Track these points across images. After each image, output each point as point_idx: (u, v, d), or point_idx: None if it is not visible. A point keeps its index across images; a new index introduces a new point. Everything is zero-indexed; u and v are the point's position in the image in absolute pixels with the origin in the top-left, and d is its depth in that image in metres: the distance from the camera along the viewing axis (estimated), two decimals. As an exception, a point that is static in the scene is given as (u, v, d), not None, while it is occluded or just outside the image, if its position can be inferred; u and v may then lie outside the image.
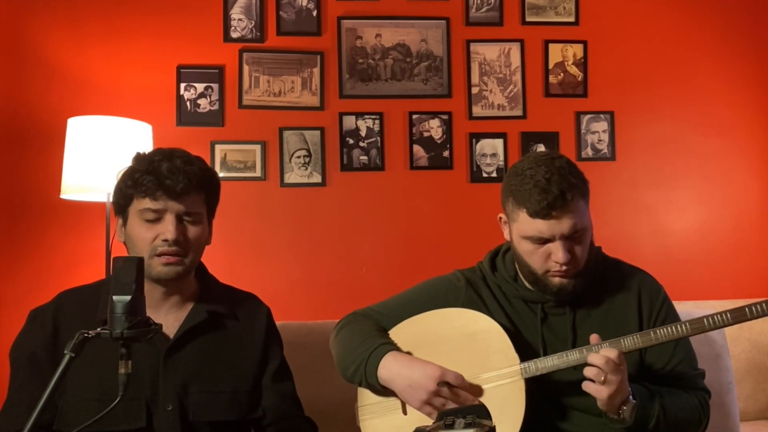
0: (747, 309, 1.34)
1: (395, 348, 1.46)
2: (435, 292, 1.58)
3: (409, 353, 1.48)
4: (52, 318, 1.40)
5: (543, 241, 1.41)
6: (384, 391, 1.46)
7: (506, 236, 1.54)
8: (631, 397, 1.35)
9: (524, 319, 1.52)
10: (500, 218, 1.54)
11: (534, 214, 1.39)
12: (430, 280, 1.63)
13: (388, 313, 1.57)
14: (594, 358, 1.32)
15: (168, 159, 1.40)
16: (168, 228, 1.37)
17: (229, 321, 1.48)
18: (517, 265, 1.53)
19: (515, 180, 1.44)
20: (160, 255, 1.37)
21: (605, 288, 1.52)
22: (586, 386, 1.33)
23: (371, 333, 1.50)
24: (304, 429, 1.52)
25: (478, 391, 1.43)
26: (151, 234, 1.38)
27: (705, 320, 1.36)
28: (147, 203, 1.38)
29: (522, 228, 1.43)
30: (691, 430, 1.47)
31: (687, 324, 1.37)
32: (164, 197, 1.37)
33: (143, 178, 1.37)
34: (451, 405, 1.38)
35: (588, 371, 1.32)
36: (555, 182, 1.38)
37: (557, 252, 1.40)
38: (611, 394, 1.31)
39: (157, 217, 1.38)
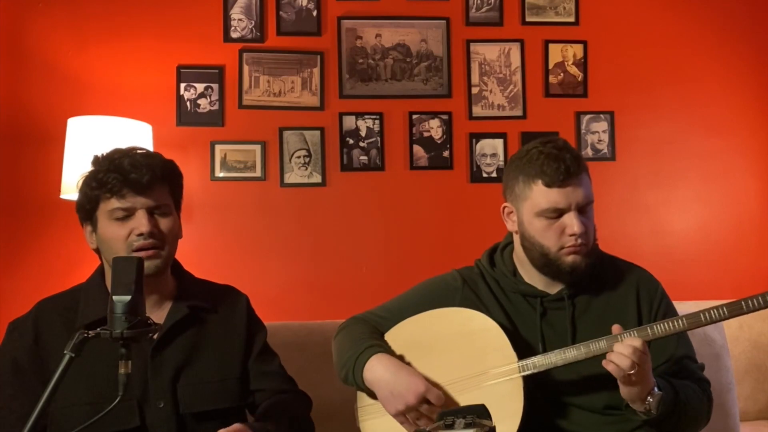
0: (743, 303, 1.36)
1: (384, 350, 1.46)
2: (432, 293, 1.58)
3: (401, 356, 1.48)
4: (32, 327, 1.40)
5: (558, 213, 1.42)
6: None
7: (511, 227, 1.53)
8: (656, 388, 1.35)
9: (523, 314, 1.52)
10: (504, 209, 1.54)
11: (551, 182, 1.41)
12: (428, 280, 1.64)
13: (387, 316, 1.58)
14: (620, 347, 1.31)
15: (128, 155, 1.40)
16: (141, 222, 1.38)
17: (209, 314, 1.50)
18: (524, 254, 1.51)
19: (522, 161, 1.46)
20: (137, 250, 1.37)
21: (603, 283, 1.53)
22: (622, 378, 1.31)
23: (363, 336, 1.51)
24: (293, 402, 1.53)
25: (457, 406, 1.43)
26: (124, 231, 1.38)
27: (702, 315, 1.37)
28: (115, 203, 1.38)
29: (536, 202, 1.43)
30: (701, 423, 1.48)
31: (684, 319, 1.38)
32: (131, 194, 1.38)
33: (107, 176, 1.37)
34: (424, 421, 1.39)
35: (616, 358, 1.30)
36: (566, 150, 1.42)
37: (572, 223, 1.41)
38: (639, 383, 1.31)
39: (127, 215, 1.38)
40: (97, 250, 1.46)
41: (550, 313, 1.51)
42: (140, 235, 1.37)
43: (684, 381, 1.46)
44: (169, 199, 1.45)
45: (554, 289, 1.52)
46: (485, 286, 1.56)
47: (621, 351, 1.30)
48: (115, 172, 1.37)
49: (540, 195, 1.42)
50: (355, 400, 1.54)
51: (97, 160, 1.43)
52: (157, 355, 1.40)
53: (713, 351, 2.07)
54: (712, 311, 1.37)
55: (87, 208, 1.42)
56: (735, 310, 1.36)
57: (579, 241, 1.42)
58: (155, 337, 1.40)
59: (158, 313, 1.45)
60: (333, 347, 1.57)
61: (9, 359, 1.38)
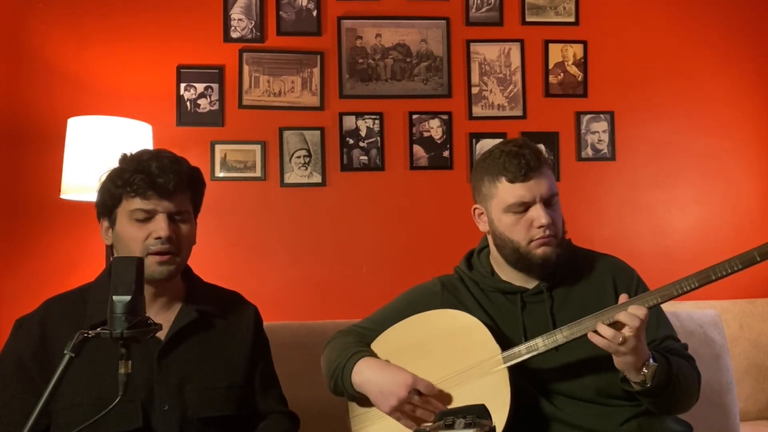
0: (711, 271, 1.40)
1: (370, 355, 1.48)
2: (413, 301, 1.61)
3: (388, 362, 1.49)
4: (38, 327, 1.39)
5: (525, 207, 1.47)
6: (366, 399, 1.47)
7: (483, 228, 1.58)
8: (651, 360, 1.36)
9: (503, 310, 1.54)
10: (474, 210, 1.59)
11: (514, 178, 1.46)
12: (409, 290, 1.67)
13: (371, 327, 1.60)
14: (623, 316, 1.32)
15: (156, 158, 1.41)
16: (161, 226, 1.38)
17: (217, 319, 1.50)
18: (498, 253, 1.55)
19: (485, 162, 1.52)
20: (153, 254, 1.38)
21: (579, 273, 1.56)
22: (607, 346, 1.32)
23: (348, 345, 1.53)
24: (280, 423, 1.53)
25: (446, 398, 1.44)
26: (143, 233, 1.38)
27: (673, 288, 1.40)
28: (138, 203, 1.38)
29: (502, 199, 1.48)
30: (693, 399, 1.48)
31: (657, 293, 1.39)
32: (155, 197, 1.38)
33: (134, 177, 1.37)
34: (420, 412, 1.40)
35: (606, 332, 1.32)
36: (525, 147, 1.49)
37: (539, 215, 1.46)
38: (632, 354, 1.32)
39: (148, 217, 1.39)
40: (111, 247, 1.46)
41: (530, 306, 1.53)
42: (158, 238, 1.37)
43: (674, 356, 1.48)
44: (189, 206, 1.46)
45: (532, 284, 1.55)
46: (465, 288, 1.59)
47: (621, 319, 1.33)
48: (142, 173, 1.37)
49: (505, 191, 1.48)
50: (347, 411, 1.55)
51: (124, 159, 1.43)
52: (164, 358, 1.40)
53: (713, 351, 2.07)
54: (682, 283, 1.39)
55: (108, 204, 1.42)
56: (703, 278, 1.39)
57: (547, 232, 1.46)
58: (163, 339, 1.40)
59: (166, 316, 1.44)
60: (321, 361, 1.59)
61: (14, 358, 1.38)
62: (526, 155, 1.46)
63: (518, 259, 1.50)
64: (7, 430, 1.33)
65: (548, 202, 1.48)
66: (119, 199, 1.40)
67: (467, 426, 0.94)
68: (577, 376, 1.48)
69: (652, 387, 1.36)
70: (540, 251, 1.47)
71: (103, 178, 1.44)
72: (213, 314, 1.49)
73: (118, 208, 1.40)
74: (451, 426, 0.95)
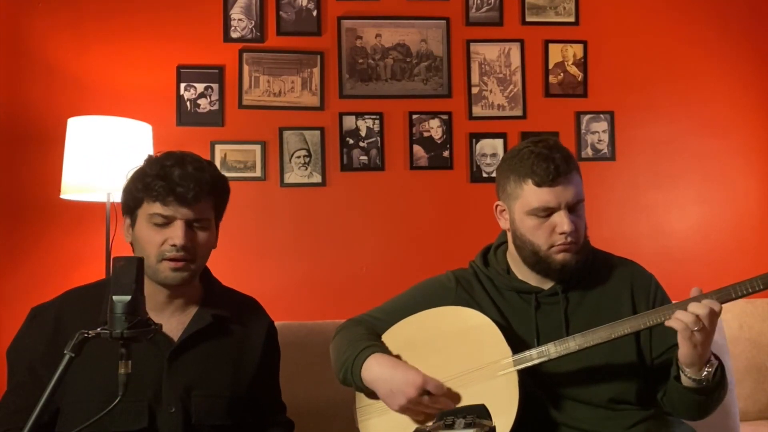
0: (732, 289, 1.38)
1: (381, 350, 1.47)
2: (427, 294, 1.60)
3: (398, 356, 1.49)
4: (53, 318, 1.40)
5: (548, 212, 1.44)
6: (374, 392, 1.47)
7: (504, 225, 1.55)
8: (713, 357, 1.36)
9: (517, 310, 1.53)
10: (497, 206, 1.56)
11: (541, 182, 1.43)
12: (422, 282, 1.65)
13: (383, 317, 1.59)
14: (696, 307, 1.31)
15: (180, 165, 1.39)
16: (177, 233, 1.37)
17: (232, 325, 1.49)
18: (516, 252, 1.53)
19: (514, 161, 1.48)
20: (168, 260, 1.37)
21: (596, 277, 1.55)
22: (685, 334, 1.30)
23: (359, 337, 1.52)
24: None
25: (454, 397, 1.44)
26: (159, 238, 1.38)
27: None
28: (157, 208, 1.38)
29: (527, 201, 1.45)
30: (718, 405, 1.48)
31: (674, 307, 1.38)
32: (175, 204, 1.37)
33: (154, 182, 1.37)
34: (429, 411, 1.39)
35: (685, 317, 1.30)
36: (556, 150, 1.45)
37: (562, 222, 1.43)
38: (704, 345, 1.31)
39: (166, 222, 1.38)
40: (131, 244, 1.47)
41: (544, 307, 1.52)
42: (173, 245, 1.37)
43: None
44: (211, 213, 1.44)
45: (547, 284, 1.53)
46: (479, 285, 1.57)
47: (693, 310, 1.30)
48: (163, 180, 1.37)
49: (530, 194, 1.45)
50: (354, 401, 1.55)
51: (149, 161, 1.42)
52: (174, 359, 1.39)
53: (713, 351, 2.07)
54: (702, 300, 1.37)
55: (130, 204, 1.42)
56: (723, 296, 1.37)
57: (569, 239, 1.44)
58: (176, 340, 1.40)
59: (181, 318, 1.44)
60: (331, 349, 1.58)
61: (24, 349, 1.39)
62: (556, 159, 1.42)
63: (537, 262, 1.48)
64: (7, 418, 1.34)
65: (573, 208, 1.45)
66: (140, 201, 1.40)
67: (467, 426, 0.94)
68: (590, 382, 1.47)
69: (710, 385, 1.35)
70: (560, 257, 1.45)
71: (129, 175, 1.44)
72: (228, 320, 1.48)
73: (139, 209, 1.41)
74: (451, 426, 0.95)
